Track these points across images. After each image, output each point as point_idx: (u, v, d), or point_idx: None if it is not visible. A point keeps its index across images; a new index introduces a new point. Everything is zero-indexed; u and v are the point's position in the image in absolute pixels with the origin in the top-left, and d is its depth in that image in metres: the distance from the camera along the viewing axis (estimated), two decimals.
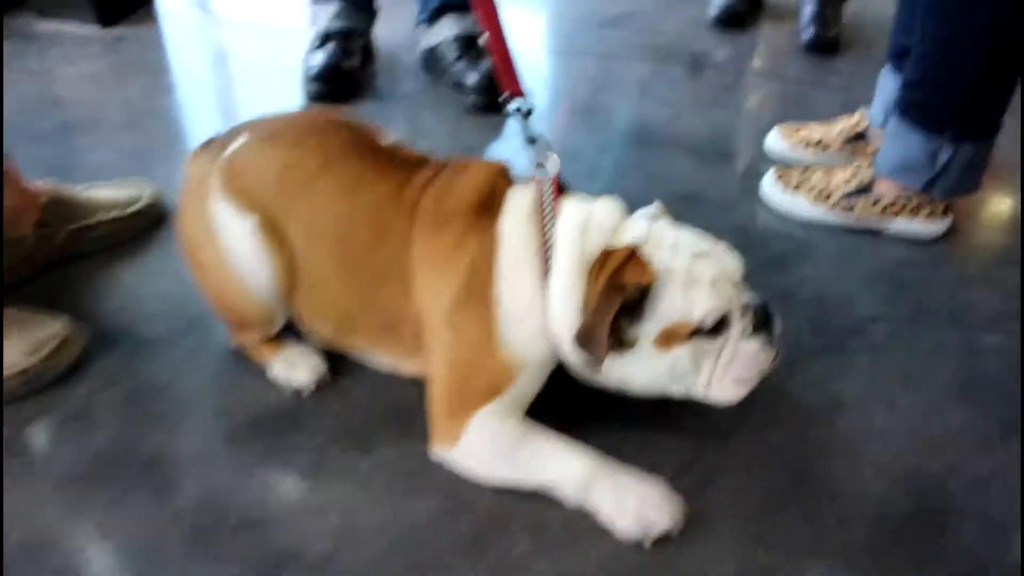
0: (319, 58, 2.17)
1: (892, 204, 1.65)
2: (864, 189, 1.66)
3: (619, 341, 1.07)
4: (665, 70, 2.40)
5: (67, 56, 2.42)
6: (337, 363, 1.33)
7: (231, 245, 1.21)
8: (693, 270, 1.07)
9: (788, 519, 1.12)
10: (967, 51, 1.44)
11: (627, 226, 1.13)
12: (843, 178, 1.68)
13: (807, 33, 2.47)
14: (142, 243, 1.63)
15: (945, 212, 1.66)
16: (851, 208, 1.66)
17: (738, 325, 1.09)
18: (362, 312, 1.21)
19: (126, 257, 1.59)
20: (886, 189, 1.64)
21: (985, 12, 1.40)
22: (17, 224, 1.48)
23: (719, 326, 1.08)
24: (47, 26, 2.60)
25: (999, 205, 1.83)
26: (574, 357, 1.11)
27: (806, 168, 1.75)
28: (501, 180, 1.17)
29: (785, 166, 1.80)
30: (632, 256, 1.07)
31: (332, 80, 2.14)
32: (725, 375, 1.11)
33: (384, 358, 1.27)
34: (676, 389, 1.13)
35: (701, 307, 1.06)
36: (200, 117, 2.14)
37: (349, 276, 1.18)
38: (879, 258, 1.63)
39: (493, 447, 1.11)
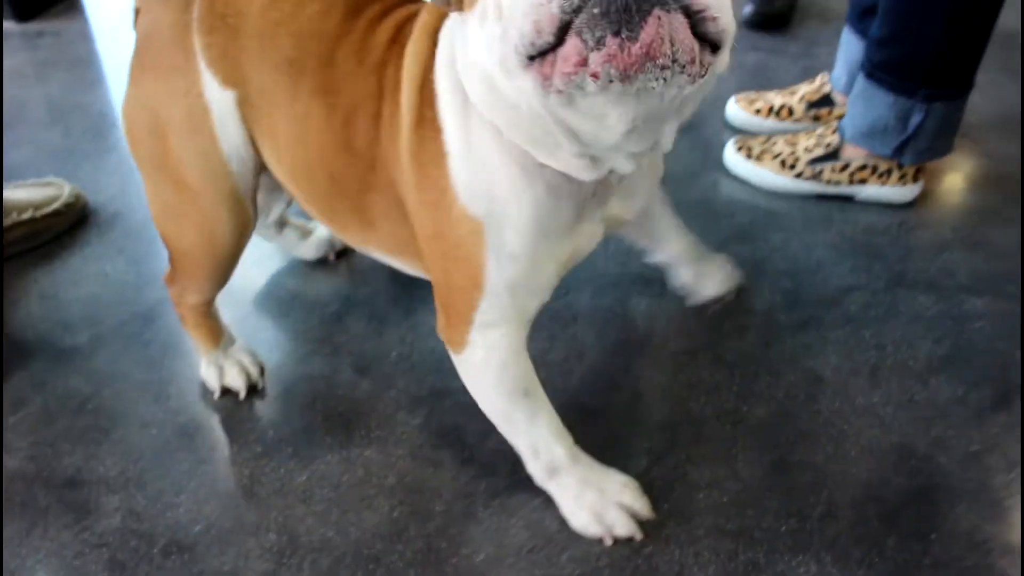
0: None
1: (861, 169, 1.56)
2: (830, 155, 1.57)
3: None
4: None
5: None
6: (278, 366, 1.23)
7: (219, 128, 1.00)
8: None
9: (770, 511, 1.03)
10: (934, 10, 1.36)
11: None
12: (808, 145, 1.59)
13: (747, 8, 2.36)
14: (62, 246, 1.51)
15: (916, 176, 1.57)
16: (818, 175, 1.58)
17: None
18: (344, 163, 0.96)
19: (44, 260, 1.47)
20: (854, 154, 1.56)
21: None
22: None
23: None
24: None
25: (969, 165, 1.75)
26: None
27: (769, 137, 1.66)
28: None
29: (747, 135, 1.71)
30: None
31: None
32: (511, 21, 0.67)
33: (383, 244, 1.05)
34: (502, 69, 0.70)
35: None
36: None
37: (329, 112, 0.94)
38: (850, 226, 1.55)
39: (494, 382, 0.97)
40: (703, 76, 0.66)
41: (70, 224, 1.54)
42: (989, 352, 1.28)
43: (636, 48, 0.61)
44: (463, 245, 0.88)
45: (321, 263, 1.44)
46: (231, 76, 0.98)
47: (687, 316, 1.33)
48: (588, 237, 0.94)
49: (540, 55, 0.65)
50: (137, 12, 1.05)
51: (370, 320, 1.31)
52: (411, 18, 0.93)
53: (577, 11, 0.61)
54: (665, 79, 0.64)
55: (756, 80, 2.07)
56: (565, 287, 1.37)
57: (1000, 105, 1.97)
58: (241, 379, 1.18)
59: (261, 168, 1.06)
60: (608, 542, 1.00)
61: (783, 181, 1.60)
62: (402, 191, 0.93)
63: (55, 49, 2.31)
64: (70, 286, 1.41)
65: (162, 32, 1.00)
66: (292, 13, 0.95)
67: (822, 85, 1.78)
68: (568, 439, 1.02)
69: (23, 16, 2.47)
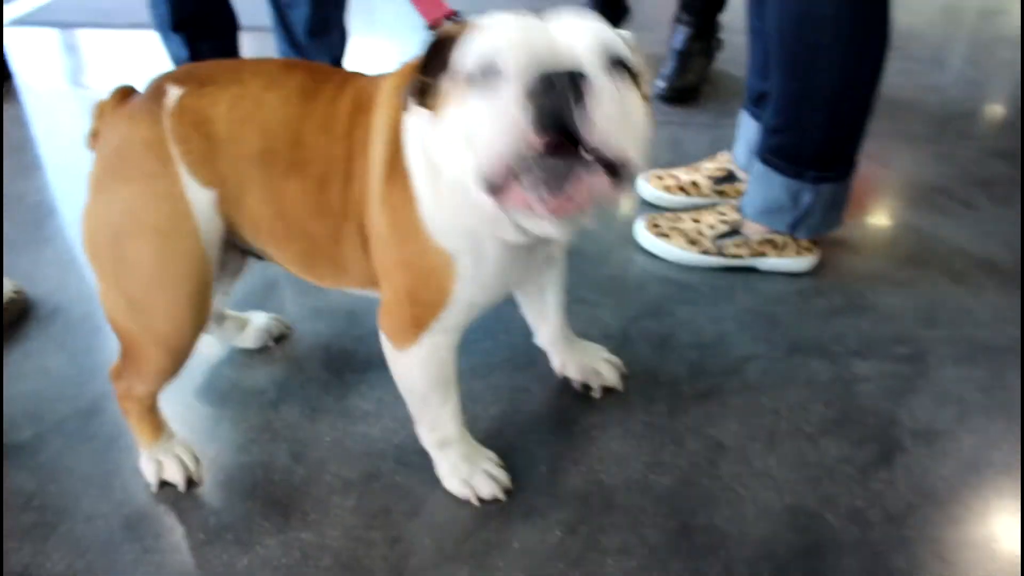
0: None
1: (761, 243, 1.70)
2: (733, 231, 1.70)
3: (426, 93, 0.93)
4: None
5: None
6: (218, 453, 1.30)
7: (202, 227, 1.11)
8: (525, 23, 0.88)
9: (673, 573, 1.13)
10: (816, 105, 1.52)
11: None
12: (711, 222, 1.73)
13: (658, 84, 2.53)
14: (3, 342, 1.56)
15: (811, 247, 1.72)
16: (722, 250, 1.71)
17: (509, 88, 0.82)
18: (319, 224, 1.11)
19: None
20: (753, 230, 1.70)
21: (824, 75, 1.48)
22: None
23: (490, 75, 0.85)
24: None
25: (860, 231, 1.90)
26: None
27: (676, 214, 1.79)
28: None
29: (656, 213, 1.84)
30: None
31: None
32: (478, 150, 0.85)
33: (354, 282, 1.18)
34: (464, 185, 0.89)
35: (485, 43, 0.86)
36: (68, 198, 2.07)
37: (303, 183, 1.08)
38: (752, 296, 1.68)
39: (429, 375, 1.15)
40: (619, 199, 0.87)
41: (11, 321, 1.59)
42: (874, 412, 1.40)
43: (565, 200, 0.83)
44: (434, 273, 1.05)
45: (259, 350, 1.52)
46: (210, 176, 1.10)
47: (600, 391, 1.43)
48: (537, 256, 1.12)
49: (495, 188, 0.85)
50: (95, 133, 1.16)
51: (304, 407, 1.39)
52: (367, 87, 1.08)
53: (526, 169, 0.82)
54: (587, 214, 0.88)
55: (668, 152, 2.21)
56: (478, 366, 1.47)
57: (892, 172, 2.14)
58: (180, 473, 1.25)
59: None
60: (474, 502, 1.22)
61: (690, 256, 1.73)
62: (370, 231, 1.08)
63: None
64: (11, 382, 1.46)
65: (134, 145, 1.10)
66: (253, 110, 1.09)
67: (725, 162, 1.92)
68: (460, 421, 1.23)
69: None
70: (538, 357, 1.48)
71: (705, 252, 1.72)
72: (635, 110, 0.87)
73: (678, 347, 1.54)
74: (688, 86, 2.51)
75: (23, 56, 2.85)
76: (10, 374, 1.48)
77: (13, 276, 1.68)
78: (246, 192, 1.11)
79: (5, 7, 3.34)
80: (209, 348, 1.53)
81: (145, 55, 2.91)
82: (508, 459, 1.26)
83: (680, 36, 2.58)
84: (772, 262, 1.71)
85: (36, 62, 2.91)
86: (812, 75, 1.51)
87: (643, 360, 1.50)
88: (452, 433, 1.23)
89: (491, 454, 1.27)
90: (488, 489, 1.23)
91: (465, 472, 1.24)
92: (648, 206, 1.96)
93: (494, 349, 1.52)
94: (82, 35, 3.21)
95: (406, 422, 1.30)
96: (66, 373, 1.48)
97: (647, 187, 1.96)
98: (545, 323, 1.43)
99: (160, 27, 2.21)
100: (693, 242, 1.72)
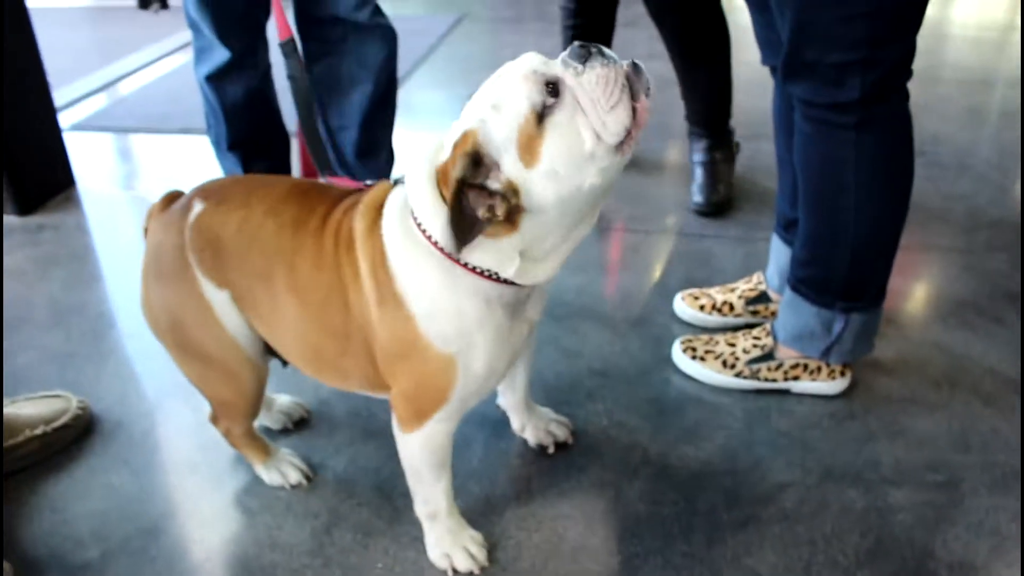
0: None
1: (794, 367, 1.75)
2: (766, 356, 1.76)
3: (501, 203, 1.04)
4: None
5: None
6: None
7: (222, 317, 1.33)
8: (489, 98, 1.05)
9: None
10: (842, 243, 1.58)
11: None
12: (746, 346, 1.79)
13: (695, 200, 2.61)
14: (70, 457, 1.64)
15: (844, 371, 1.77)
16: (756, 374, 1.76)
17: (565, 71, 1.03)
18: (323, 340, 1.28)
19: (53, 474, 1.60)
20: (786, 354, 1.75)
21: (850, 214, 1.55)
22: None
23: (553, 90, 1.02)
24: None
25: (893, 352, 1.94)
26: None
27: (711, 337, 1.86)
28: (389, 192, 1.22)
29: (692, 335, 1.90)
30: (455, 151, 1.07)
31: None
32: (601, 114, 1.02)
33: (355, 386, 1.36)
34: (590, 169, 1.05)
35: (516, 97, 1.02)
36: (127, 308, 2.17)
37: (303, 307, 1.26)
38: (786, 419, 1.72)
39: (426, 457, 1.32)
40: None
41: (77, 436, 1.67)
42: (909, 544, 1.43)
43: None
44: (436, 376, 1.20)
45: (314, 471, 1.59)
46: (222, 280, 1.30)
47: (640, 519, 1.48)
48: (520, 336, 1.25)
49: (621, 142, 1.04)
50: (146, 230, 1.40)
51: (356, 532, 1.45)
52: (344, 222, 1.23)
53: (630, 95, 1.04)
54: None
55: (702, 268, 2.29)
56: (521, 500, 1.53)
57: (921, 286, 2.19)
58: (297, 474, 1.55)
59: None
60: (450, 574, 1.36)
61: (725, 379, 1.78)
62: (374, 346, 1.23)
63: (55, 244, 2.48)
64: (77, 499, 1.54)
65: (166, 250, 1.34)
66: (254, 234, 1.27)
67: (758, 283, 1.99)
68: (451, 499, 1.38)
69: (24, 210, 2.65)
70: (582, 493, 1.53)
71: (739, 375, 1.78)
72: None
73: (715, 473, 1.58)
74: (723, 200, 2.59)
75: (81, 162, 2.99)
76: (77, 491, 1.56)
77: (76, 389, 1.76)
78: (254, 301, 1.30)
79: (63, 113, 3.51)
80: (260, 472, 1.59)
81: (196, 160, 3.05)
82: None
83: (698, 148, 2.69)
84: (805, 385, 1.77)
85: (93, 167, 3.05)
86: (837, 214, 1.58)
87: (682, 488, 1.55)
88: (441, 508, 1.37)
89: (475, 534, 1.41)
90: (464, 564, 1.37)
91: (447, 545, 1.38)
92: (683, 324, 2.02)
93: (537, 474, 1.58)
94: (136, 140, 3.36)
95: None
96: (129, 491, 1.55)
97: (683, 306, 2.02)
98: (512, 391, 1.61)
99: (216, 146, 2.34)
100: (728, 365, 1.78)
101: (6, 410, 1.64)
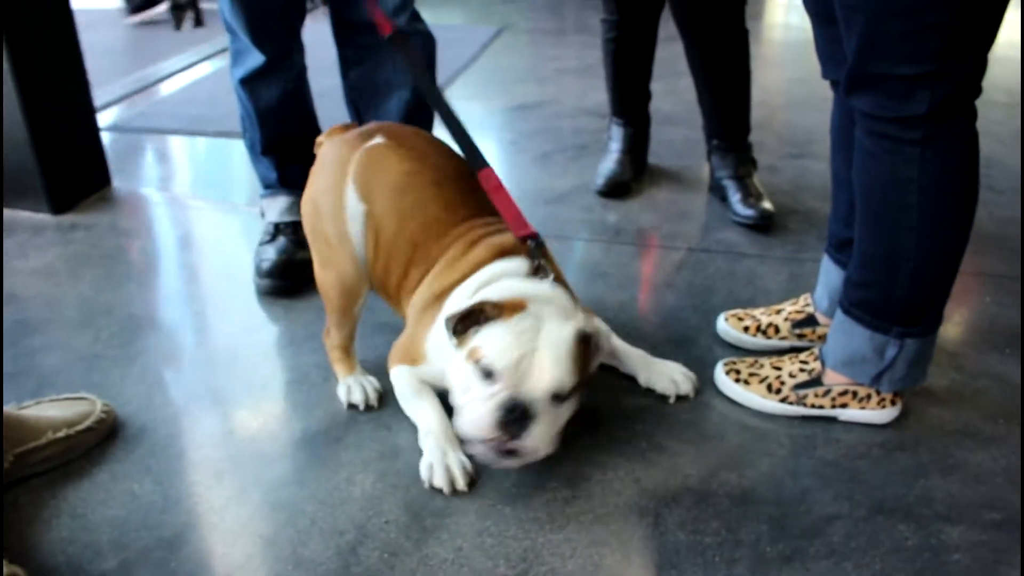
0: (270, 253, 2.20)
1: (842, 394, 1.68)
2: (814, 381, 1.69)
3: (463, 331, 1.47)
4: (613, 248, 2.46)
5: (21, 247, 2.43)
6: None
7: (350, 221, 1.70)
8: (523, 336, 1.41)
9: None
10: (901, 265, 1.50)
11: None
12: (792, 371, 1.71)
13: (743, 214, 2.55)
14: (92, 461, 1.59)
15: (894, 399, 1.69)
16: (802, 399, 1.69)
17: (496, 388, 1.40)
18: (402, 272, 1.70)
19: (74, 479, 1.55)
20: (835, 380, 1.68)
21: (911, 235, 1.47)
22: None
23: (489, 376, 1.41)
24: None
25: (946, 381, 1.86)
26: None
27: (755, 360, 1.79)
28: (498, 255, 1.61)
29: (735, 358, 1.83)
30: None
31: (284, 275, 2.16)
32: (466, 414, 1.44)
33: (394, 300, 1.78)
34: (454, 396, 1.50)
35: (493, 352, 1.41)
36: (157, 310, 2.14)
37: (406, 247, 1.68)
38: (833, 448, 1.65)
39: (401, 385, 1.68)
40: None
41: (101, 440, 1.64)
42: None
43: (498, 461, 1.45)
44: (416, 354, 1.67)
45: (344, 484, 1.54)
46: (367, 196, 1.70)
47: (679, 549, 1.41)
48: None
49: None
50: (319, 144, 1.87)
51: (382, 551, 1.39)
52: (468, 235, 1.66)
53: (478, 440, 1.43)
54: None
55: (746, 288, 2.22)
56: (556, 524, 1.46)
57: (976, 314, 2.10)
58: (361, 396, 1.75)
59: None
60: (425, 485, 1.52)
61: (770, 404, 1.71)
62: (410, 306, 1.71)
63: (87, 244, 2.46)
64: (99, 506, 1.49)
65: (333, 159, 1.76)
66: (413, 188, 1.69)
67: (805, 305, 1.92)
68: (438, 422, 1.59)
69: (58, 209, 2.64)
70: (619, 519, 1.47)
71: (785, 400, 1.70)
72: (558, 421, 1.45)
73: (759, 502, 1.51)
74: (770, 212, 2.53)
75: (117, 162, 2.98)
76: (97, 497, 1.51)
77: (101, 392, 1.72)
78: (380, 225, 1.69)
79: (101, 113, 3.50)
80: (289, 483, 1.54)
81: (232, 163, 3.03)
82: None
83: (725, 164, 2.66)
84: (853, 413, 1.69)
85: (129, 168, 3.03)
86: (897, 235, 1.50)
87: (724, 516, 1.48)
88: (431, 426, 1.59)
89: (464, 460, 1.53)
90: (441, 480, 1.51)
91: (433, 458, 1.53)
92: (727, 346, 1.95)
93: (572, 499, 1.51)
94: (173, 142, 3.35)
95: (485, 574, 1.30)
96: (152, 500, 1.50)
97: (726, 327, 1.95)
98: (622, 363, 1.85)
99: (251, 149, 2.31)
100: (773, 390, 1.71)
101: (28, 411, 1.61)
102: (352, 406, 1.74)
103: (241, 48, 2.13)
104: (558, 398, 1.42)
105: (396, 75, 2.19)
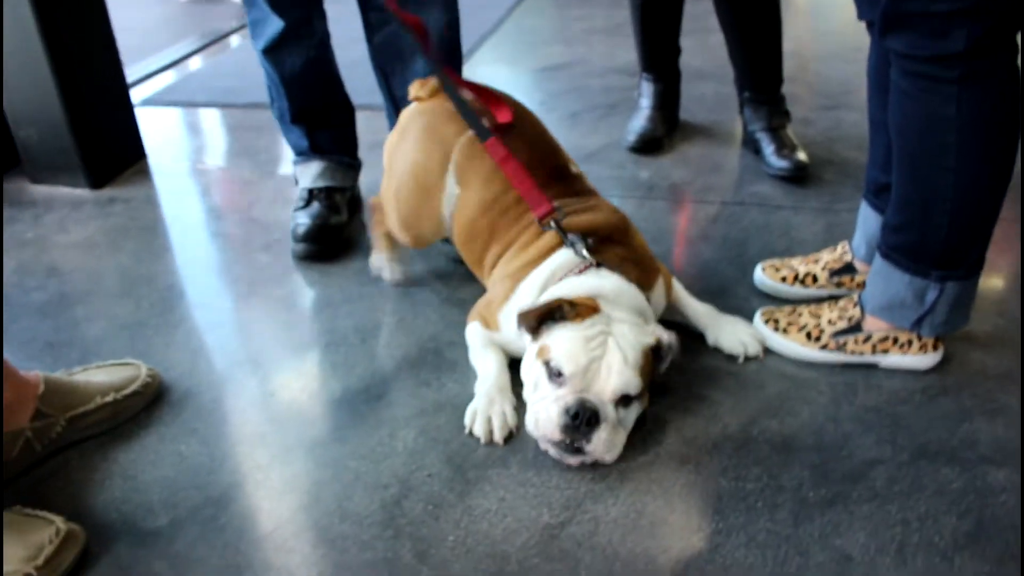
0: (304, 218, 2.21)
1: (883, 340, 1.66)
2: (853, 328, 1.67)
3: (536, 328, 1.53)
4: (646, 204, 2.45)
5: (61, 222, 2.46)
6: (342, 552, 1.32)
7: (445, 201, 1.85)
8: (592, 341, 1.44)
9: None
10: (940, 207, 1.48)
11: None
12: (831, 317, 1.70)
13: (777, 166, 2.52)
14: (140, 425, 1.63)
15: (936, 344, 1.67)
16: (842, 346, 1.68)
17: (564, 391, 1.43)
18: (482, 249, 1.81)
19: (123, 441, 1.59)
20: (875, 326, 1.66)
21: (950, 176, 1.45)
22: (14, 419, 1.48)
23: (557, 377, 1.45)
24: (40, 191, 2.65)
25: (989, 327, 1.84)
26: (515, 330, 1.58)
27: (793, 308, 1.78)
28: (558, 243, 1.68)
29: (773, 307, 1.82)
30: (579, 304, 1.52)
31: (319, 239, 2.18)
32: (534, 413, 1.47)
33: (476, 270, 1.89)
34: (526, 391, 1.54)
35: (563, 355, 1.44)
36: (196, 279, 2.17)
37: (486, 230, 1.79)
38: (875, 394, 1.64)
39: (473, 337, 1.75)
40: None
41: (147, 403, 1.67)
42: (1013, 528, 1.34)
43: (565, 460, 1.47)
44: (491, 316, 1.73)
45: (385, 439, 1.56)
46: (462, 182, 1.82)
47: (722, 495, 1.42)
48: None
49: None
50: (416, 98, 1.97)
51: (427, 503, 1.41)
52: (533, 239, 1.73)
53: (546, 437, 1.46)
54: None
55: (782, 239, 2.20)
56: (599, 473, 1.47)
57: (1017, 264, 2.07)
58: (389, 274, 2.02)
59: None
60: (466, 431, 1.56)
61: (809, 352, 1.70)
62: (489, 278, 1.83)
63: (125, 216, 2.49)
64: (148, 467, 1.53)
65: (437, 138, 1.86)
66: (491, 185, 1.79)
67: (843, 254, 1.90)
68: (496, 375, 1.64)
69: (96, 183, 2.68)
70: (660, 467, 1.47)
71: (824, 348, 1.69)
72: (625, 424, 1.48)
73: (800, 449, 1.51)
74: (805, 163, 2.50)
75: (151, 136, 3.01)
76: (147, 458, 1.55)
77: (146, 359, 1.75)
78: (465, 206, 1.82)
79: (134, 89, 3.53)
80: (326, 443, 1.57)
81: (263, 133, 3.04)
82: (630, 565, 1.25)
83: (758, 117, 2.63)
84: (895, 359, 1.68)
85: (163, 142, 3.06)
86: (935, 176, 1.48)
87: (765, 463, 1.48)
88: (488, 373, 1.65)
89: (509, 412, 1.57)
90: (480, 429, 1.55)
91: (479, 406, 1.58)
92: (764, 296, 1.94)
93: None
94: (205, 114, 3.37)
95: (529, 523, 1.32)
96: (199, 460, 1.53)
97: (763, 277, 1.94)
98: (692, 316, 1.84)
99: (280, 119, 2.32)
100: (813, 338, 1.70)
101: (77, 376, 1.64)
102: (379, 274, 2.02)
103: (259, 17, 2.13)
104: (625, 402, 1.45)
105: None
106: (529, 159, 1.76)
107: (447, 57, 2.20)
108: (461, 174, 1.82)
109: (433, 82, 1.92)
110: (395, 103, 2.27)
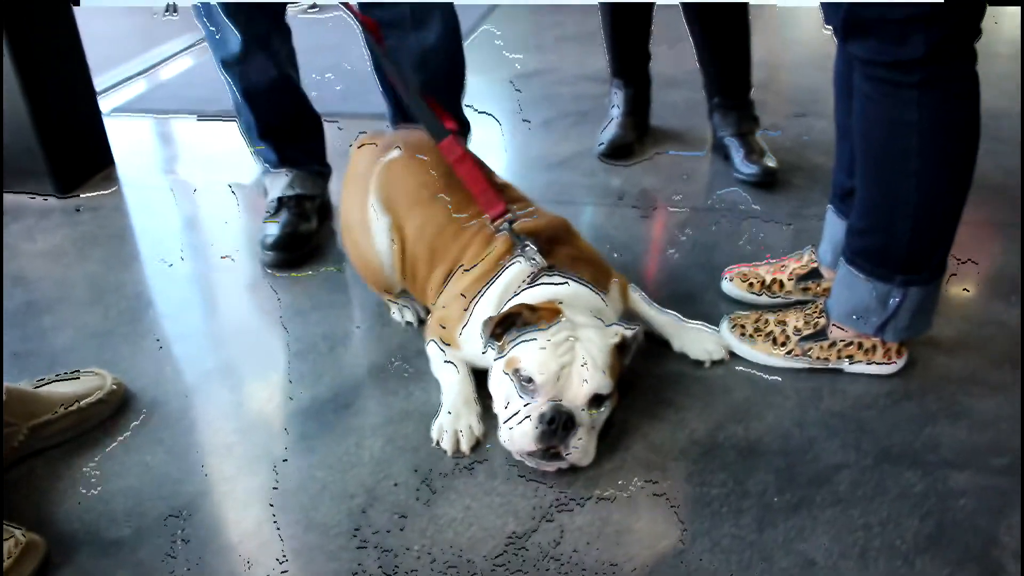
0: (273, 228, 2.21)
1: (848, 346, 1.68)
2: (818, 334, 1.69)
3: (500, 335, 1.53)
4: (617, 211, 2.46)
5: (28, 231, 2.44)
6: (307, 563, 1.32)
7: (377, 234, 1.83)
8: (560, 347, 1.45)
9: None
10: (903, 211, 1.50)
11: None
12: (797, 325, 1.72)
13: (745, 172, 2.54)
14: (106, 434, 1.62)
15: (900, 350, 1.69)
16: (807, 352, 1.69)
17: (536, 403, 1.43)
18: (426, 273, 1.79)
19: (88, 451, 1.58)
20: (840, 333, 1.68)
21: (912, 181, 1.46)
22: None
23: (529, 388, 1.45)
24: (7, 199, 2.62)
25: (952, 330, 1.86)
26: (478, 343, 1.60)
27: (760, 315, 1.79)
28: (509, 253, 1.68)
29: (740, 313, 1.83)
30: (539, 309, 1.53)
31: (288, 247, 2.18)
32: (508, 429, 1.47)
33: (421, 297, 1.87)
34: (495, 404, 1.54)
35: (532, 364, 1.44)
36: (164, 289, 2.15)
37: (426, 252, 1.78)
38: (840, 399, 1.65)
39: (433, 355, 1.73)
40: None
41: (112, 412, 1.66)
42: (972, 530, 1.36)
43: (539, 467, 1.47)
44: (443, 332, 1.72)
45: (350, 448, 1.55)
46: (389, 209, 1.82)
47: (687, 500, 1.42)
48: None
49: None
50: (357, 147, 1.97)
51: (393, 512, 1.41)
52: (480, 235, 1.74)
53: (522, 448, 1.46)
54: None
55: (750, 244, 2.21)
56: (563, 481, 1.48)
57: (981, 263, 2.09)
58: (414, 318, 1.93)
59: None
60: (433, 444, 1.54)
61: (776, 360, 1.71)
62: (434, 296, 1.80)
63: (94, 224, 2.48)
64: (113, 476, 1.52)
65: (358, 172, 1.90)
66: (419, 202, 1.80)
67: (809, 260, 1.91)
68: (459, 386, 1.63)
69: (63, 191, 2.65)
70: (626, 473, 1.48)
71: (790, 354, 1.71)
72: (597, 424, 1.49)
73: (766, 454, 1.52)
74: (773, 168, 2.52)
75: (122, 145, 2.98)
76: (112, 469, 1.54)
77: (112, 368, 1.74)
78: (402, 231, 1.80)
79: (104, 97, 3.51)
80: (303, 452, 1.56)
81: (234, 144, 3.02)
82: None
83: (727, 122, 2.65)
84: (860, 366, 1.69)
85: (133, 150, 3.04)
86: (898, 180, 1.50)
87: (731, 468, 1.49)
88: (451, 385, 1.64)
89: (476, 425, 1.57)
90: (447, 444, 1.54)
91: (445, 420, 1.57)
92: (732, 302, 1.95)
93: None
94: (175, 124, 3.35)
95: (495, 532, 1.32)
96: (164, 470, 1.53)
97: (730, 286, 1.95)
98: (658, 327, 1.82)
99: (247, 133, 2.31)
100: (779, 344, 1.71)
101: (42, 388, 1.63)
102: (408, 324, 1.92)
103: (217, 31, 2.11)
104: (597, 402, 1.47)
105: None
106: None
107: (450, 69, 2.20)
108: (385, 199, 1.82)
109: (366, 138, 1.97)
110: (402, 108, 2.26)
